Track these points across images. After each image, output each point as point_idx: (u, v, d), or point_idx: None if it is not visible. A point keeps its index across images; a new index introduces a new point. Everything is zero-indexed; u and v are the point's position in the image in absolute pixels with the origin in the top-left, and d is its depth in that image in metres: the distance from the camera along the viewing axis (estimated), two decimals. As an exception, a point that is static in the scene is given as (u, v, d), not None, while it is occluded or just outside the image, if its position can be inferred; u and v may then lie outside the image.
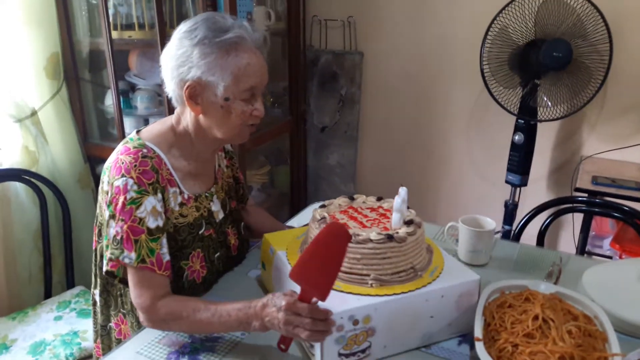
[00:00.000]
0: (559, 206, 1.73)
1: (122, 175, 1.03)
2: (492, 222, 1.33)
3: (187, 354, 0.99)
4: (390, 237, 0.98)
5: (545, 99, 2.04)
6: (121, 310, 1.19)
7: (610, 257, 2.10)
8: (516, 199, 2.29)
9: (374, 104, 2.69)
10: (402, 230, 1.01)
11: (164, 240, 1.05)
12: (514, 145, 2.20)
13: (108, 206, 1.05)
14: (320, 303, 0.89)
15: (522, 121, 2.14)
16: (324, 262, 0.86)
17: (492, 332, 0.97)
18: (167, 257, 1.05)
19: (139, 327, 1.15)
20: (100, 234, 1.15)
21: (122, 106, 1.91)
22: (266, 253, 1.16)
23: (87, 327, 1.61)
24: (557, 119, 2.07)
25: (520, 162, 2.21)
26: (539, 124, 2.15)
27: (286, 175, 2.77)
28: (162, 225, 1.05)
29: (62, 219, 1.80)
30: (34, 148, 1.88)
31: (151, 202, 1.04)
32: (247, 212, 1.43)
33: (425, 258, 1.05)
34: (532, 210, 1.69)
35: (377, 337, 0.96)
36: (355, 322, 0.93)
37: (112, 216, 1.04)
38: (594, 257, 2.11)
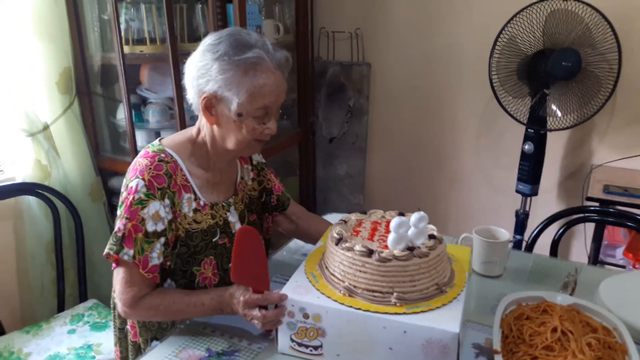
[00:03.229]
0: (572, 216, 1.72)
1: (136, 177, 1.08)
2: (507, 233, 1.32)
3: (204, 368, 1.00)
4: (370, 253, 0.97)
5: (555, 108, 2.04)
6: None
7: (623, 267, 2.08)
8: (527, 208, 2.29)
9: (382, 115, 2.70)
10: (391, 252, 0.97)
11: (158, 245, 1.08)
12: (524, 155, 2.20)
13: (120, 206, 1.09)
14: (287, 290, 1.00)
15: (532, 131, 2.14)
16: (250, 260, 0.99)
17: (510, 345, 0.97)
18: (154, 262, 1.08)
19: (146, 326, 1.19)
20: None
21: (133, 120, 1.92)
22: None
23: (101, 341, 1.61)
24: (567, 128, 2.06)
25: (530, 171, 2.20)
26: (548, 133, 2.14)
27: (295, 187, 2.78)
28: (160, 230, 1.08)
29: (75, 232, 1.81)
30: (46, 162, 1.90)
31: (155, 206, 1.07)
32: (297, 218, 1.44)
33: (421, 292, 0.97)
34: (545, 220, 1.68)
35: (328, 341, 0.98)
36: (306, 316, 0.97)
37: (120, 215, 1.08)
38: (607, 266, 2.09)
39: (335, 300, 0.96)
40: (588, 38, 1.93)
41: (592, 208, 1.71)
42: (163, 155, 1.12)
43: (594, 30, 1.92)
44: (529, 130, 2.15)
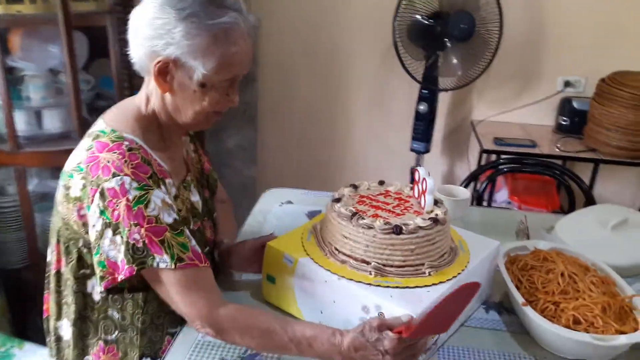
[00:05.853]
0: (491, 170, 1.88)
1: (114, 175, 0.88)
2: (467, 191, 1.40)
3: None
4: (435, 221, 0.96)
5: (450, 67, 2.17)
6: (103, 337, 1.01)
7: (507, 208, 2.35)
8: (420, 164, 2.44)
9: (273, 81, 2.60)
10: (440, 212, 0.99)
11: (188, 232, 0.93)
12: (418, 115, 2.32)
13: (101, 213, 0.88)
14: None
15: (427, 91, 2.26)
16: (449, 311, 0.87)
17: (524, 295, 1.01)
18: (199, 248, 0.93)
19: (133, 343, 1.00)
20: (68, 253, 0.97)
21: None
22: (277, 264, 1.02)
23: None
24: (458, 87, 2.23)
25: (424, 130, 2.34)
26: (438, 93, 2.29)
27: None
28: (179, 217, 0.93)
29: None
30: None
31: (158, 195, 0.91)
32: (220, 208, 1.28)
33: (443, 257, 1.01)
34: (467, 177, 1.82)
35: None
36: None
37: (109, 224, 0.88)
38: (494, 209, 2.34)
39: (432, 285, 0.92)
40: (477, 2, 2.08)
41: (503, 161, 1.90)
42: (127, 142, 0.93)
43: (481, -5, 2.07)
44: (423, 90, 2.27)
